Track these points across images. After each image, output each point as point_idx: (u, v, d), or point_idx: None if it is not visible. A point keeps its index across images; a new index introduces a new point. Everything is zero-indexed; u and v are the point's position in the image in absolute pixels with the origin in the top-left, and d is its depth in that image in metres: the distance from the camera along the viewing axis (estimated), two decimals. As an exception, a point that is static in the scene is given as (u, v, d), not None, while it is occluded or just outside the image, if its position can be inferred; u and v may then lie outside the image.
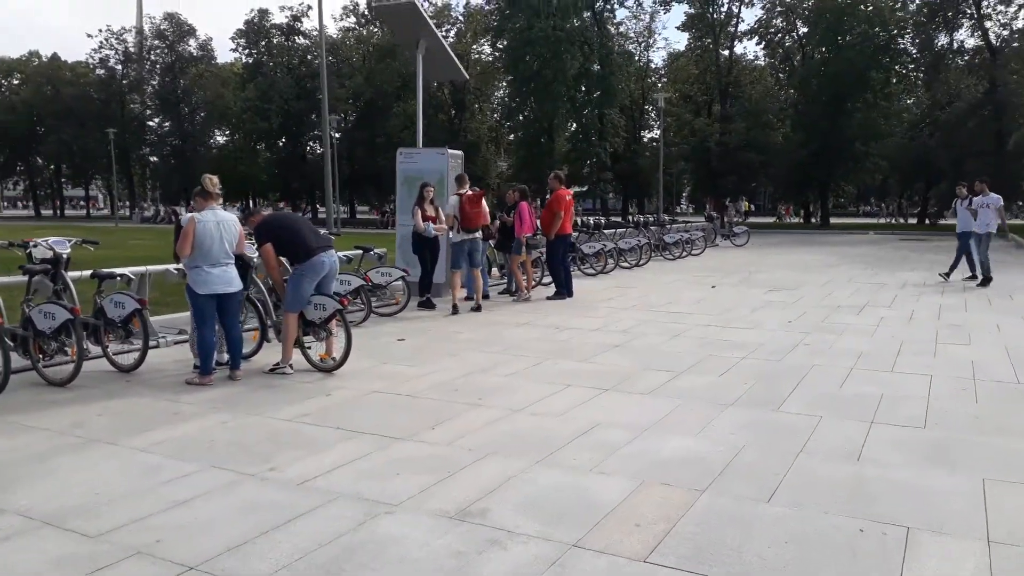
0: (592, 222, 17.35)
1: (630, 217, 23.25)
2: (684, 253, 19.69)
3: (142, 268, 7.72)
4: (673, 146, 44.64)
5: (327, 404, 5.55)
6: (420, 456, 4.40)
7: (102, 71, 61.56)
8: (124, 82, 61.55)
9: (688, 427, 4.97)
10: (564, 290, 11.63)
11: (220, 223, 6.13)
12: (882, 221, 47.07)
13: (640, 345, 7.86)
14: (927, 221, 42.31)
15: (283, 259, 6.70)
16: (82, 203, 70.66)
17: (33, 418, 5.19)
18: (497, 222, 11.87)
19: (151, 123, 62.11)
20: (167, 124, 61.64)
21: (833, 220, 43.76)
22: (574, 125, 44.06)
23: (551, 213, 11.62)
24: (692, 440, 4.70)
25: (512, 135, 50.15)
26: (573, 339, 8.21)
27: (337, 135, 56.19)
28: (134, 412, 5.35)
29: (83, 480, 4.03)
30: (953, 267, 13.87)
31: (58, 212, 67.05)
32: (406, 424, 5.01)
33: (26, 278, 6.50)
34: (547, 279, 12.52)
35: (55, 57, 64.78)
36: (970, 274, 13.59)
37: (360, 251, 9.93)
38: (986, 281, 13.04)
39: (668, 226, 21.08)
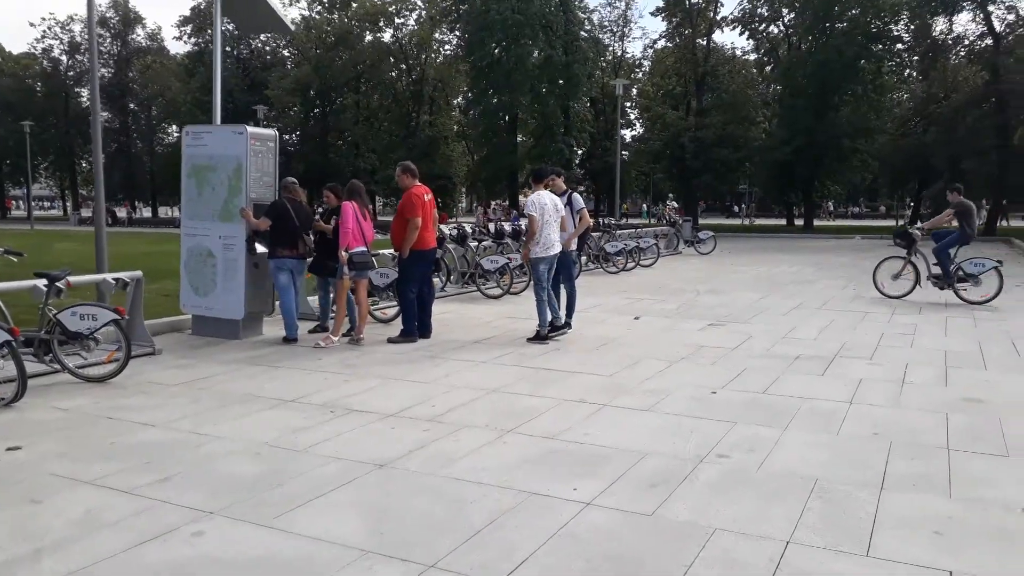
0: (509, 228, 13.92)
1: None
2: (631, 264, 16.32)
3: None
4: (645, 143, 41.15)
5: None
6: None
7: (46, 62, 57.62)
8: (70, 74, 57.58)
9: None
10: (413, 329, 8.16)
11: None
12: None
13: (426, 458, 4.42)
14: (919, 224, 38.99)
15: None
16: (29, 203, 65.80)
17: None
18: (312, 235, 8.39)
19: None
20: (115, 121, 57.68)
21: (816, 223, 40.50)
22: (538, 118, 40.43)
23: (402, 220, 8.21)
24: None
25: (473, 129, 46.62)
26: (323, 447, 4.71)
27: (288, 135, 52.52)
28: None
29: None
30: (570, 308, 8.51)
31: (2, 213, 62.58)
32: None
33: None
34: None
35: (-1, 47, 60.87)
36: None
37: (44, 282, 6.12)
38: (556, 327, 8.12)
39: (613, 232, 17.64)
